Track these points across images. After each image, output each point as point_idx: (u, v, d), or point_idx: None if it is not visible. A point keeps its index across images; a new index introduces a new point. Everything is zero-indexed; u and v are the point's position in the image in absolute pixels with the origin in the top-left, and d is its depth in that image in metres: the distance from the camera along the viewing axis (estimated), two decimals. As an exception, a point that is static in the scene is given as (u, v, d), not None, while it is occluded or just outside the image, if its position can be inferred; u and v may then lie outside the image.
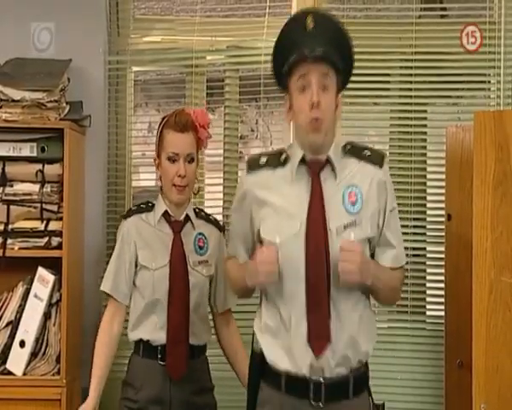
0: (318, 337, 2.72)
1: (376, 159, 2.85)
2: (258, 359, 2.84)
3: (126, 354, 3.49)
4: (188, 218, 3.41)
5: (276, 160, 2.87)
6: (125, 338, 3.45)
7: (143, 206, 3.43)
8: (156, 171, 3.44)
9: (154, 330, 3.33)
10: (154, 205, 3.42)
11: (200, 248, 3.41)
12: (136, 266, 3.37)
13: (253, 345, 2.88)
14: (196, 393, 3.35)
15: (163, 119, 3.42)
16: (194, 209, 3.47)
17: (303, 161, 2.80)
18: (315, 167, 2.80)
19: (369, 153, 2.85)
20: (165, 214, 3.39)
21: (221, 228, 3.52)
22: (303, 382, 2.75)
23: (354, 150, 2.86)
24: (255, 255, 2.76)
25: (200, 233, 3.43)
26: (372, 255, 2.86)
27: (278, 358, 2.78)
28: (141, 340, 3.35)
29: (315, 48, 2.72)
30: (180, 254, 3.35)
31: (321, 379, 2.75)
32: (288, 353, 2.76)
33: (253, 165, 2.89)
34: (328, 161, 2.81)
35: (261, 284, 2.78)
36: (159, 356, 3.31)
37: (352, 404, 2.79)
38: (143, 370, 3.34)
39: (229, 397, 3.71)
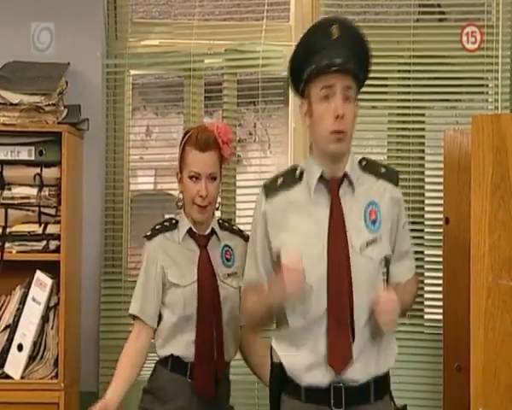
0: (340, 357, 2.72)
1: (392, 177, 2.88)
2: (277, 370, 2.83)
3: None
4: (213, 231, 3.34)
5: (292, 177, 2.85)
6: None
7: (167, 224, 3.34)
8: (178, 185, 3.34)
9: (186, 347, 3.24)
10: (177, 222, 3.34)
11: (228, 260, 3.34)
12: (163, 284, 3.27)
13: (272, 356, 2.87)
14: None
15: (185, 133, 3.34)
16: (218, 221, 3.39)
17: (320, 177, 2.79)
18: (333, 184, 2.80)
19: (384, 170, 2.88)
20: (190, 231, 3.31)
21: (245, 238, 3.37)
22: (323, 391, 2.75)
23: (370, 167, 2.87)
24: (280, 269, 2.69)
25: (226, 245, 3.35)
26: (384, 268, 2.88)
27: (299, 374, 2.77)
28: (171, 355, 3.26)
29: (342, 59, 2.71)
30: (208, 268, 3.27)
31: (341, 385, 2.75)
32: (308, 370, 2.76)
33: (271, 189, 2.85)
34: (346, 176, 2.81)
35: (288, 296, 2.69)
36: (188, 373, 3.24)
37: (373, 408, 2.78)
38: (171, 384, 3.25)
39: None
